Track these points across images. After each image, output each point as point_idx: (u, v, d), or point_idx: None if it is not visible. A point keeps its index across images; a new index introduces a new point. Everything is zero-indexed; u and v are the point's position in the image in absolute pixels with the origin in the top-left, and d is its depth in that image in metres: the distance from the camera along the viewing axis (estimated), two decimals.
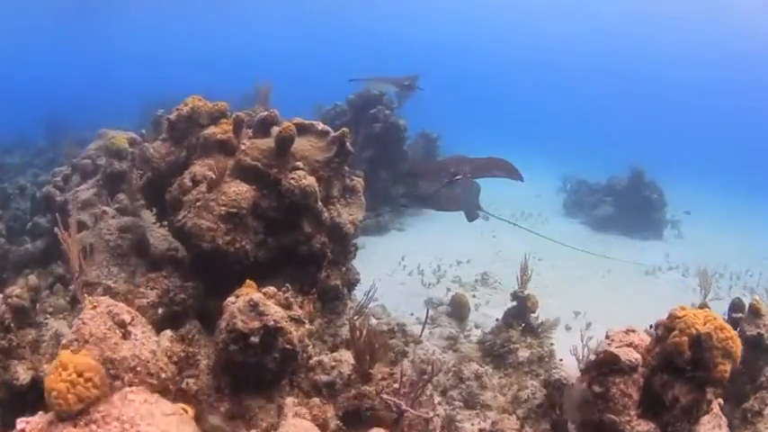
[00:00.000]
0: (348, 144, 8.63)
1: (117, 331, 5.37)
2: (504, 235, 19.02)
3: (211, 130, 8.68)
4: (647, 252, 22.31)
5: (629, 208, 25.10)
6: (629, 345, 5.77)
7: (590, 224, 25.45)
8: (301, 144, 8.45)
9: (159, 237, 9.19)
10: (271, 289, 6.66)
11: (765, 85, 68.12)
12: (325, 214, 8.22)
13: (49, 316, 8.55)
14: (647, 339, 5.90)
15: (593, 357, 5.77)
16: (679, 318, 5.35)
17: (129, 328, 5.52)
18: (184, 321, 7.75)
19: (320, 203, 8.11)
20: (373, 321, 11.72)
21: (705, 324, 5.20)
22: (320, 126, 8.85)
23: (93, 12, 57.24)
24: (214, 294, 7.64)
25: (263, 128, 8.67)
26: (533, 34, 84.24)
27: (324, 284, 8.73)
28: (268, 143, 8.29)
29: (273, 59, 62.30)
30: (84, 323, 5.27)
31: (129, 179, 11.68)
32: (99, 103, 34.77)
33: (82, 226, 9.79)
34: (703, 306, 8.62)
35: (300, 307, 7.42)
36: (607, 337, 6.05)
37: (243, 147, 8.35)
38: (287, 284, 6.83)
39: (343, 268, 9.38)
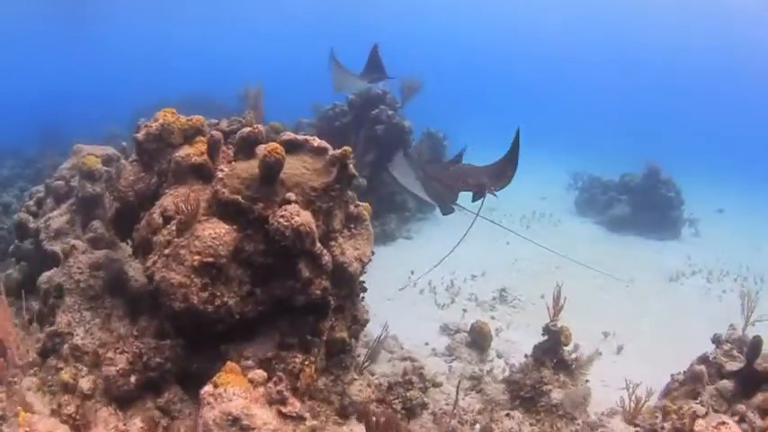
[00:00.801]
0: (351, 166, 6.82)
1: None
2: (517, 241, 17.28)
3: (184, 151, 7.04)
4: (667, 255, 20.75)
5: (645, 207, 23.37)
6: None
7: (604, 224, 23.72)
8: (293, 166, 6.67)
9: (139, 269, 7.71)
10: (258, 374, 5.32)
11: None
12: (326, 257, 6.42)
13: (18, 371, 7.07)
14: None
15: None
16: None
17: None
18: (163, 388, 6.39)
19: (319, 244, 6.32)
20: (385, 356, 10.32)
21: None
22: (316, 142, 7.05)
23: (87, 16, 55.88)
24: (197, 352, 6.38)
25: (245, 147, 6.86)
26: (535, 27, 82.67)
27: (328, 337, 7.01)
28: (251, 168, 6.51)
29: (270, 57, 60.84)
30: None
31: (103, 204, 10.06)
32: (94, 110, 33.21)
33: (56, 260, 8.58)
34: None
35: (300, 370, 6.21)
36: None
37: (220, 174, 6.57)
38: (279, 374, 5.22)
39: (351, 313, 7.60)
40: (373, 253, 7.52)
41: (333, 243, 6.87)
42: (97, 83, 52.41)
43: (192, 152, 6.96)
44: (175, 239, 6.15)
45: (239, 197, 6.26)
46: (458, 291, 14.61)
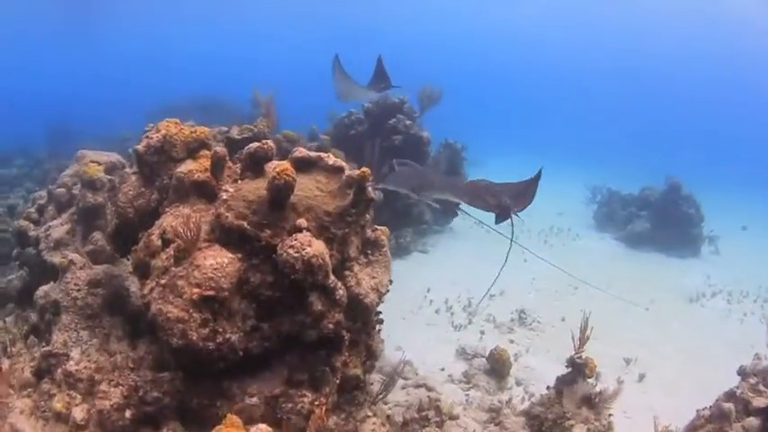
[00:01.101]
0: (370, 189, 6.12)
1: None
2: (534, 258, 16.74)
3: (187, 166, 6.41)
4: (687, 274, 20.13)
5: (665, 223, 22.71)
6: None
7: (623, 240, 23.10)
8: (306, 186, 5.99)
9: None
10: (262, 430, 4.58)
11: None
12: (341, 291, 5.71)
13: (12, 392, 6.75)
14: None
15: None
16: None
17: None
18: (161, 424, 5.78)
19: (332, 277, 5.62)
20: (400, 382, 9.67)
21: None
22: (331, 160, 6.34)
23: (98, 18, 55.47)
24: (198, 385, 5.71)
25: (253, 165, 6.19)
26: (551, 37, 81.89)
27: (341, 373, 6.28)
28: (259, 189, 5.82)
29: (285, 60, 60.35)
30: None
31: (105, 215, 9.50)
32: (108, 112, 32.71)
33: (55, 272, 8.09)
34: None
35: (310, 411, 5.58)
36: None
37: (224, 195, 5.88)
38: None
39: (366, 346, 6.89)
40: (391, 281, 6.85)
41: (348, 272, 6.17)
42: (112, 85, 52.10)
43: (195, 168, 6.34)
44: (173, 268, 5.49)
45: (244, 223, 5.58)
46: (475, 311, 13.92)
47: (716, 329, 15.36)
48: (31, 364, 7.26)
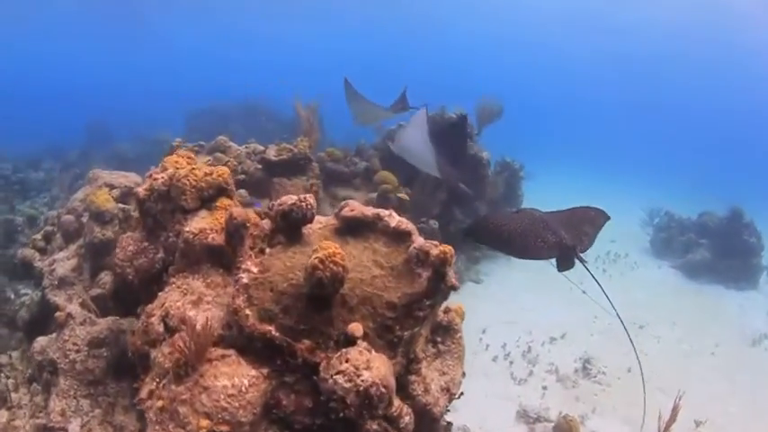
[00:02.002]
0: (450, 274, 4.32)
1: None
2: (593, 292, 15.01)
3: (198, 223, 4.80)
4: (747, 309, 18.52)
5: (725, 253, 21.11)
6: None
7: (680, 268, 21.42)
8: (360, 262, 4.26)
9: None
10: None
11: None
12: (407, 418, 3.88)
13: None
14: None
15: None
16: None
17: None
18: None
19: (396, 402, 3.82)
20: None
21: None
22: (393, 221, 4.58)
23: (142, 13, 54.64)
24: None
25: (286, 228, 4.44)
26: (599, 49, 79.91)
27: None
28: (293, 269, 4.06)
29: (331, 66, 59.06)
30: None
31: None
32: (147, 109, 31.82)
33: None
34: None
35: None
36: None
37: (245, 278, 4.06)
38: None
39: None
40: (464, 374, 5.14)
41: (413, 377, 4.39)
42: (161, 81, 51.85)
43: (210, 226, 4.69)
44: (173, 386, 3.76)
45: (272, 329, 3.75)
46: (536, 357, 12.41)
47: None
48: (27, 427, 6.48)
